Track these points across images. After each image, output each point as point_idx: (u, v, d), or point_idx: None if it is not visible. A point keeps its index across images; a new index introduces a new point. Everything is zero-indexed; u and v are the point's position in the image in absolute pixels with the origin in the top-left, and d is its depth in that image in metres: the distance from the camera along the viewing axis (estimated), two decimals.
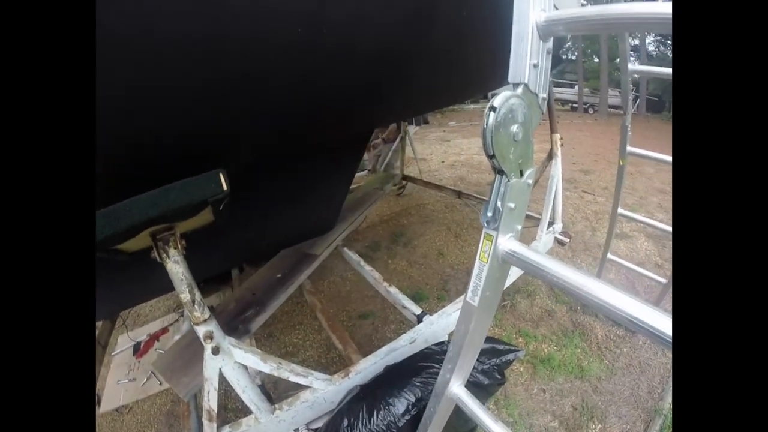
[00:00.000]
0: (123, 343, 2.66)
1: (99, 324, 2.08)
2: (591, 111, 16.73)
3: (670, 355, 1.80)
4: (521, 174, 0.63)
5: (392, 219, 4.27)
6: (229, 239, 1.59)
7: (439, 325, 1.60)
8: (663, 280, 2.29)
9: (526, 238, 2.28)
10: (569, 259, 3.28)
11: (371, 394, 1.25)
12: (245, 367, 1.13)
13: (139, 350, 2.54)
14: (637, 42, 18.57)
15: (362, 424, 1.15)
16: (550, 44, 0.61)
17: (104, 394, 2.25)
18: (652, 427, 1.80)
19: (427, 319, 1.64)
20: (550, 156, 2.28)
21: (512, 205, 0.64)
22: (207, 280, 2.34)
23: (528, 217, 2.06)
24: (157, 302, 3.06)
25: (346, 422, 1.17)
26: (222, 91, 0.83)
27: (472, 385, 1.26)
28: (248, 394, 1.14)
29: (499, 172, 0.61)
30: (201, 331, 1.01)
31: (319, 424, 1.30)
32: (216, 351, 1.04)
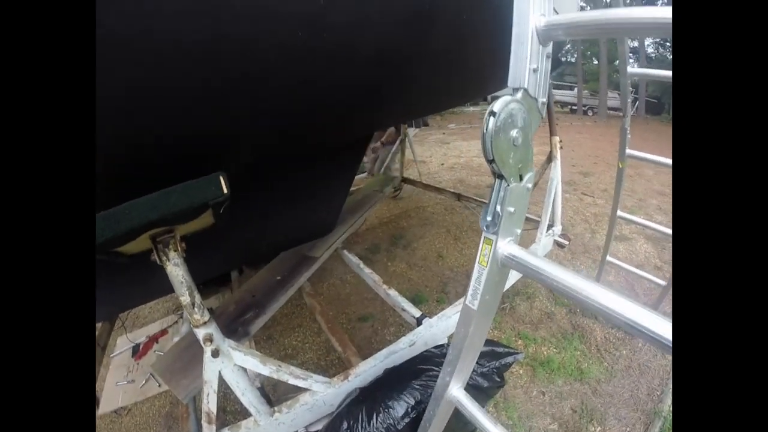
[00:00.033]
0: (122, 344, 2.66)
1: (98, 325, 2.07)
2: (590, 113, 16.79)
3: (670, 358, 1.80)
4: (521, 178, 0.63)
5: (392, 221, 4.27)
6: (229, 241, 1.59)
7: (438, 327, 1.59)
8: (662, 283, 2.29)
9: (526, 240, 2.29)
10: (569, 261, 3.28)
11: (371, 397, 1.25)
12: (245, 370, 1.13)
13: (138, 352, 2.53)
14: (636, 44, 18.64)
15: (362, 427, 1.15)
16: (549, 49, 0.61)
17: (103, 396, 2.24)
18: (652, 429, 1.79)
19: (426, 321, 1.64)
20: (550, 158, 2.28)
21: (512, 209, 0.64)
22: (206, 282, 2.34)
23: (527, 219, 2.06)
24: (156, 304, 3.05)
25: (345, 425, 1.17)
26: (222, 91, 0.83)
27: (472, 388, 1.25)
28: (247, 396, 1.14)
29: (499, 176, 0.61)
30: (200, 333, 1.01)
31: (319, 426, 1.29)
32: (215, 354, 1.04)
